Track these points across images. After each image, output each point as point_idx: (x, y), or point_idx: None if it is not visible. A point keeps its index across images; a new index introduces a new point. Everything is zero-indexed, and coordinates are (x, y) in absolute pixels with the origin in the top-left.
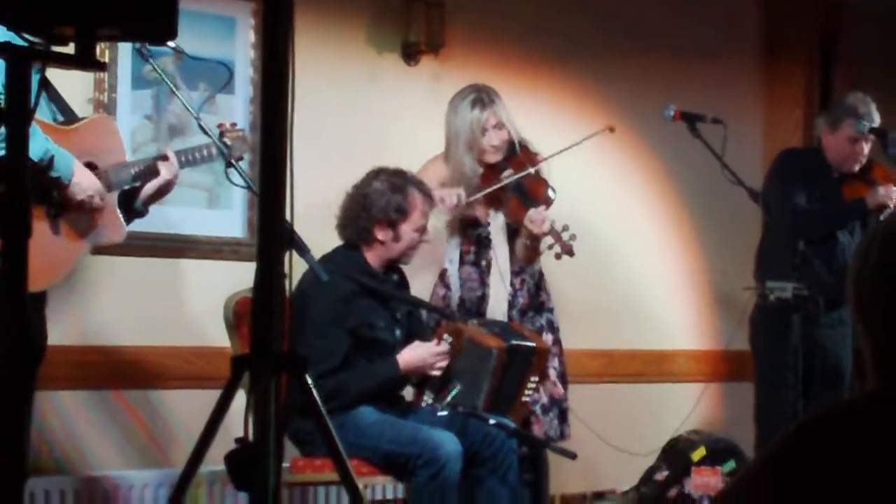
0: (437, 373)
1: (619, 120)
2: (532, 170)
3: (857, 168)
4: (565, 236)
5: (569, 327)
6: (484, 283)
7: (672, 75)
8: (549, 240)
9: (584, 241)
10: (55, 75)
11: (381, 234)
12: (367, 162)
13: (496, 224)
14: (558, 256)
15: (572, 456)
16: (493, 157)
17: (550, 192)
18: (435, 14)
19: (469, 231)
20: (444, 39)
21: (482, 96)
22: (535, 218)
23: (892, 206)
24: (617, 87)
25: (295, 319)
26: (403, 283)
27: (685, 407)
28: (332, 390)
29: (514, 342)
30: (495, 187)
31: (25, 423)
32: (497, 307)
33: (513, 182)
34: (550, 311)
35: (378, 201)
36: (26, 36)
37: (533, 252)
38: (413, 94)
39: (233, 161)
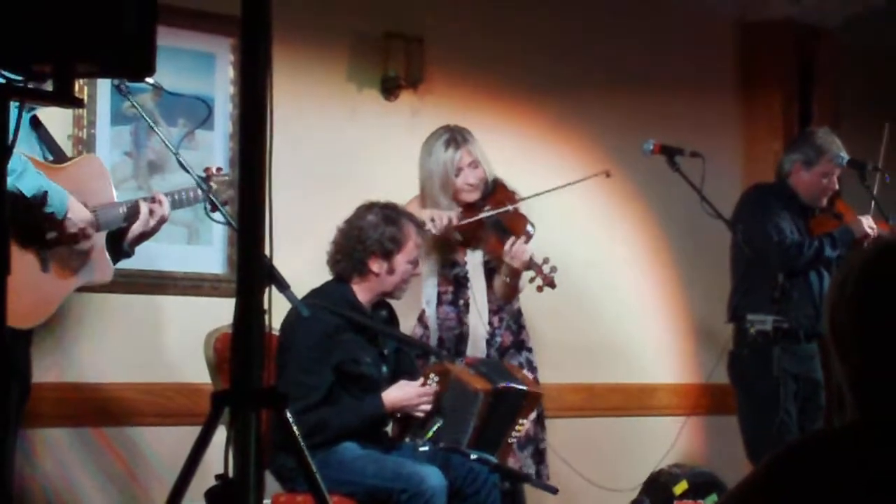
0: (420, 413)
1: (597, 154)
2: (511, 207)
3: (825, 202)
4: (546, 268)
5: (550, 362)
6: (462, 322)
7: (650, 109)
8: (530, 274)
9: (565, 276)
10: (39, 113)
11: (375, 266)
12: (347, 197)
13: (473, 262)
14: (540, 289)
15: (554, 490)
16: (471, 196)
17: (529, 228)
18: (414, 49)
19: (446, 271)
20: (423, 75)
21: (455, 136)
22: (515, 251)
23: (873, 235)
24: (595, 121)
25: (280, 354)
26: (392, 320)
27: (666, 441)
28: (313, 426)
29: (503, 384)
30: (478, 217)
31: (10, 460)
32: (476, 346)
33: (492, 218)
34: (529, 350)
35: (373, 233)
36: (4, 73)
37: (512, 290)
38: (392, 129)
39: (219, 205)
